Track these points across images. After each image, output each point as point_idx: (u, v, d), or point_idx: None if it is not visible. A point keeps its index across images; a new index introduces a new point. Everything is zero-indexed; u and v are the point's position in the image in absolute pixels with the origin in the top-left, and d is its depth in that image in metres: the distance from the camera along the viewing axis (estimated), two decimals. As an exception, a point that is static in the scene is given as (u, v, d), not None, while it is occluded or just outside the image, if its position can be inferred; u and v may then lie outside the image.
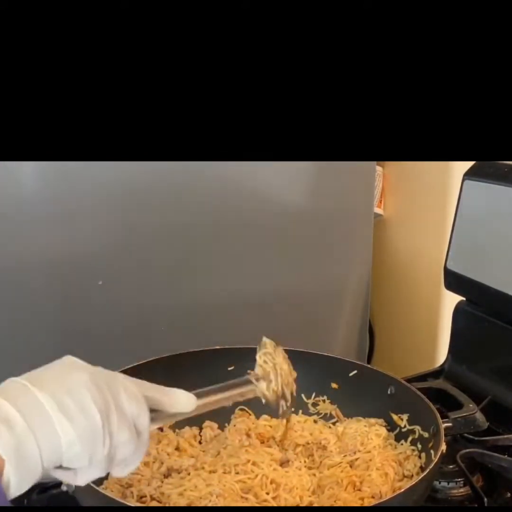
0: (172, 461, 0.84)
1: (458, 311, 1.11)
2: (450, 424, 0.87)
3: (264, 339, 0.76)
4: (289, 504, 0.76)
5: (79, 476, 0.57)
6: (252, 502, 0.75)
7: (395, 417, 0.89)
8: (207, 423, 0.92)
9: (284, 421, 0.90)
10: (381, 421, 0.90)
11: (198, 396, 0.65)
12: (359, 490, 0.79)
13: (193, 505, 0.74)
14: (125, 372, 0.63)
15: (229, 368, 0.87)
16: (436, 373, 1.12)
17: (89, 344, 0.98)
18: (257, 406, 0.93)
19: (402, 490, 0.72)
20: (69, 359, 0.59)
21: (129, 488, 0.78)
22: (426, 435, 0.84)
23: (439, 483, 0.86)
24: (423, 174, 1.34)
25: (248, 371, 0.73)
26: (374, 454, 0.84)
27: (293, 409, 0.77)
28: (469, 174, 1.06)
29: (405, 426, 0.87)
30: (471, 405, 0.92)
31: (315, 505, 0.77)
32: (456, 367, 1.10)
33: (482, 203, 1.04)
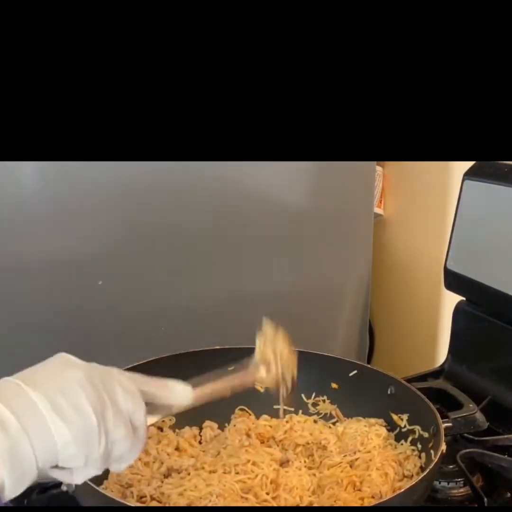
0: (172, 461, 0.84)
1: (458, 311, 1.11)
2: (450, 424, 0.87)
3: (265, 321, 0.75)
4: (289, 504, 0.76)
5: (75, 475, 0.57)
6: (252, 502, 0.75)
7: (395, 417, 0.89)
8: (207, 423, 0.92)
9: (285, 420, 0.90)
10: (381, 421, 0.90)
11: (194, 385, 0.65)
12: (359, 490, 0.79)
13: (193, 505, 0.74)
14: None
15: (229, 368, 0.87)
16: (436, 373, 1.12)
17: (89, 344, 0.97)
18: (257, 406, 0.93)
19: (402, 490, 0.72)
20: (63, 357, 0.58)
21: (129, 488, 0.78)
22: (426, 435, 0.84)
23: (439, 483, 0.86)
24: (423, 174, 1.34)
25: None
26: (374, 454, 0.84)
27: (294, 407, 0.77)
28: (469, 174, 1.06)
29: (405, 426, 0.87)
30: (471, 405, 0.92)
31: (315, 505, 0.77)
32: (456, 367, 1.10)
33: (482, 203, 1.04)
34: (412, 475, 0.80)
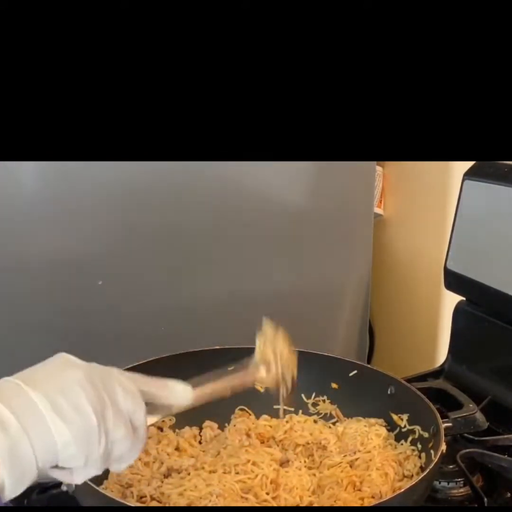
0: (172, 461, 0.84)
1: (458, 311, 1.11)
2: (450, 424, 0.87)
3: (265, 321, 0.75)
4: (289, 504, 0.76)
5: (75, 475, 0.57)
6: (252, 502, 0.75)
7: (395, 417, 0.89)
8: (207, 423, 0.92)
9: (285, 420, 0.90)
10: (381, 421, 0.90)
11: (194, 385, 0.65)
12: (359, 490, 0.79)
13: (193, 505, 0.74)
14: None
15: (229, 368, 0.87)
16: (436, 373, 1.12)
17: (89, 344, 0.97)
18: (257, 406, 0.93)
19: (402, 490, 0.72)
20: (63, 357, 0.58)
21: (129, 488, 0.78)
22: (426, 435, 0.84)
23: (439, 483, 0.86)
24: (423, 174, 1.34)
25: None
26: (374, 454, 0.84)
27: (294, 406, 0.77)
28: (469, 174, 1.06)
29: (405, 426, 0.87)
30: (471, 405, 0.92)
31: (315, 505, 0.77)
32: (456, 367, 1.10)
33: (482, 203, 1.04)
34: (412, 475, 0.80)
